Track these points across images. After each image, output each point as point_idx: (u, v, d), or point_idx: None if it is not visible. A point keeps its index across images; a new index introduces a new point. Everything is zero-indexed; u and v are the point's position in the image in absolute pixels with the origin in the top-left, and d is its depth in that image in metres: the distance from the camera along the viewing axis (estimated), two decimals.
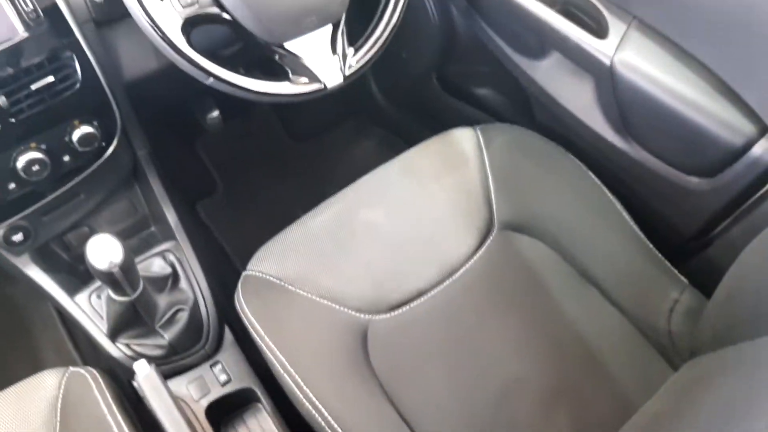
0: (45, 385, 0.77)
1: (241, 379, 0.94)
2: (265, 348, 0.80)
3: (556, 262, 0.87)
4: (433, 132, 0.99)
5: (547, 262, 0.87)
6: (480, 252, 0.88)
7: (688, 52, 0.79)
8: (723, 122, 0.76)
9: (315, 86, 0.81)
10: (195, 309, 0.94)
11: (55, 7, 0.76)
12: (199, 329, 0.95)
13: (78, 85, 0.79)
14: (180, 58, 0.74)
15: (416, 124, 1.40)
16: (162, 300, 0.92)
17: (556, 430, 0.76)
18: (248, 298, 0.83)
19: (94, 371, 0.79)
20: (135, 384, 0.79)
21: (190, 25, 0.74)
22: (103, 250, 0.73)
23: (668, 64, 0.79)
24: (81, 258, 0.85)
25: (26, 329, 1.21)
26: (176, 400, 0.77)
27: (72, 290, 0.94)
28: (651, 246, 0.87)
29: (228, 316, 0.98)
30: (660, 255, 0.86)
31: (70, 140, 0.82)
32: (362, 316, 0.83)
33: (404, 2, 0.87)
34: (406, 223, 0.90)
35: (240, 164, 1.48)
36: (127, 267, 0.75)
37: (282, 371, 0.78)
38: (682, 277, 0.84)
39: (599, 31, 0.84)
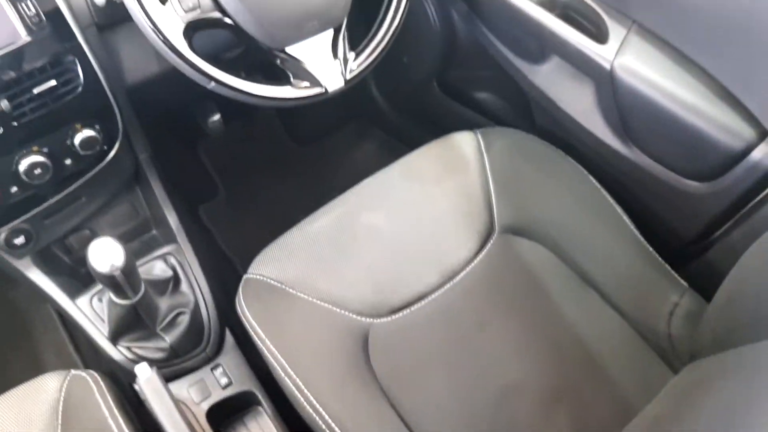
0: (46, 388, 0.77)
1: (242, 382, 0.94)
2: (265, 351, 0.80)
3: (557, 265, 0.87)
4: (434, 136, 0.99)
5: (547, 266, 0.87)
6: (481, 255, 0.88)
7: (687, 57, 0.80)
8: (723, 126, 0.76)
9: (316, 90, 0.81)
10: (196, 312, 0.94)
11: (58, 11, 0.77)
12: (200, 332, 0.95)
13: (80, 89, 0.79)
14: (182, 62, 0.74)
15: (417, 128, 1.40)
16: (163, 303, 0.92)
17: None
18: (249, 302, 0.83)
19: (96, 374, 0.79)
20: (136, 387, 0.79)
21: (191, 30, 0.74)
22: (105, 254, 0.73)
23: (668, 69, 0.80)
24: (82, 261, 0.85)
25: (27, 332, 1.21)
26: (177, 403, 0.77)
27: (73, 293, 0.94)
28: (651, 249, 0.87)
29: (229, 319, 0.98)
30: (660, 258, 0.86)
31: (72, 144, 0.82)
32: (363, 319, 0.83)
33: (405, 7, 0.87)
34: (406, 227, 0.90)
35: (241, 167, 1.48)
36: (129, 270, 0.75)
37: (283, 374, 0.78)
38: (682, 281, 0.84)
39: (599, 35, 0.85)
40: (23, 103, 0.76)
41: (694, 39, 0.79)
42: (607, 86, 0.85)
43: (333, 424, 0.74)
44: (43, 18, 0.75)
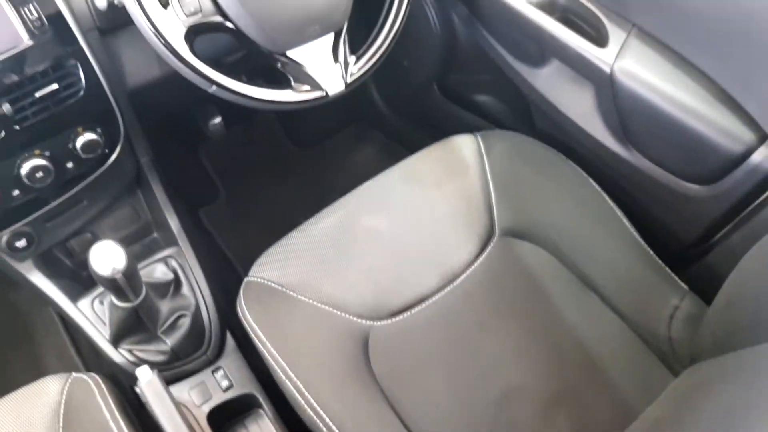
0: (47, 391, 0.77)
1: (243, 384, 0.94)
2: (266, 354, 0.80)
3: (557, 268, 0.88)
4: (434, 139, 0.99)
5: (547, 269, 0.87)
6: (481, 258, 0.89)
7: (687, 60, 0.80)
8: (722, 130, 0.76)
9: (317, 94, 0.81)
10: (197, 315, 0.95)
11: (60, 15, 0.77)
12: (201, 335, 0.95)
13: (82, 93, 0.80)
14: (183, 67, 0.75)
15: (417, 131, 1.41)
16: (164, 306, 0.92)
17: None
18: (250, 304, 0.83)
19: (97, 377, 0.79)
20: (137, 390, 0.80)
21: (193, 34, 0.75)
22: (106, 257, 0.73)
23: (668, 72, 0.80)
24: (84, 264, 0.85)
25: (29, 335, 1.21)
26: (178, 405, 0.78)
27: (75, 296, 0.94)
28: (651, 252, 0.87)
29: (230, 322, 0.99)
30: (660, 261, 0.86)
31: (74, 147, 0.82)
32: (363, 322, 0.84)
33: (406, 11, 0.88)
34: (407, 230, 0.90)
35: (242, 170, 1.48)
36: (130, 273, 0.76)
37: (283, 377, 0.78)
38: (683, 284, 0.84)
39: (599, 39, 0.85)
40: (25, 106, 0.76)
41: (694, 42, 0.79)
42: (607, 89, 0.85)
43: (333, 427, 0.74)
44: (45, 22, 0.75)
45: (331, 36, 0.81)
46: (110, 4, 0.79)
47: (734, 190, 0.78)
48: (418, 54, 1.20)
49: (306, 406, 0.75)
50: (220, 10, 0.75)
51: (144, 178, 1.00)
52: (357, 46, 0.86)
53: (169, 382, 0.90)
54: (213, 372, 0.95)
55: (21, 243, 0.88)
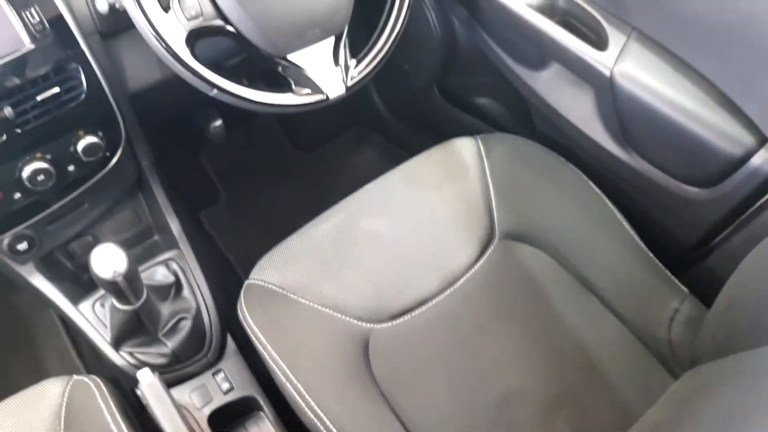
0: (49, 394, 0.77)
1: (244, 387, 0.95)
2: (267, 356, 0.80)
3: (557, 271, 0.88)
4: (435, 141, 0.99)
5: (547, 272, 0.88)
6: (481, 261, 0.89)
7: (687, 64, 0.80)
8: (722, 133, 0.76)
9: (317, 97, 0.82)
10: (198, 317, 0.95)
11: (61, 19, 0.77)
12: (201, 338, 0.95)
13: (83, 96, 0.80)
14: (184, 70, 0.75)
15: (417, 134, 1.41)
16: (165, 308, 0.92)
17: None
18: (250, 307, 0.84)
19: (98, 380, 0.80)
20: (138, 392, 0.80)
21: (194, 38, 0.75)
22: (108, 260, 0.73)
23: (668, 76, 0.80)
24: (85, 267, 0.85)
25: (30, 337, 1.22)
26: (179, 408, 0.78)
27: (76, 299, 0.94)
28: (651, 255, 0.87)
29: (230, 324, 0.99)
30: (660, 264, 0.86)
31: (75, 150, 0.82)
32: (364, 324, 0.84)
33: (406, 15, 0.88)
34: (407, 233, 0.90)
35: (243, 173, 1.49)
36: (131, 276, 0.76)
37: (284, 379, 0.78)
38: (683, 287, 0.84)
39: (599, 42, 0.85)
40: (27, 110, 0.76)
41: (694, 45, 0.79)
42: (607, 93, 0.85)
43: (334, 429, 0.74)
44: (47, 26, 0.76)
45: (332, 40, 0.82)
46: (111, 8, 0.79)
47: (734, 193, 0.78)
48: (419, 57, 1.20)
49: (306, 408, 0.76)
50: (221, 14, 0.75)
51: (145, 181, 1.00)
52: (357, 50, 0.86)
53: (170, 384, 0.91)
54: (214, 374, 0.96)
55: (22, 246, 0.88)
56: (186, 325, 0.93)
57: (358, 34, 0.87)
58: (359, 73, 0.85)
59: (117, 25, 0.83)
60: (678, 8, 0.79)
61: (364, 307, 0.84)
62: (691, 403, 0.59)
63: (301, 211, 0.99)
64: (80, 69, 0.79)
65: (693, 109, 0.78)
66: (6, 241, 0.87)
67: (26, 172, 0.79)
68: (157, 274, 0.96)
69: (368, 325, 0.84)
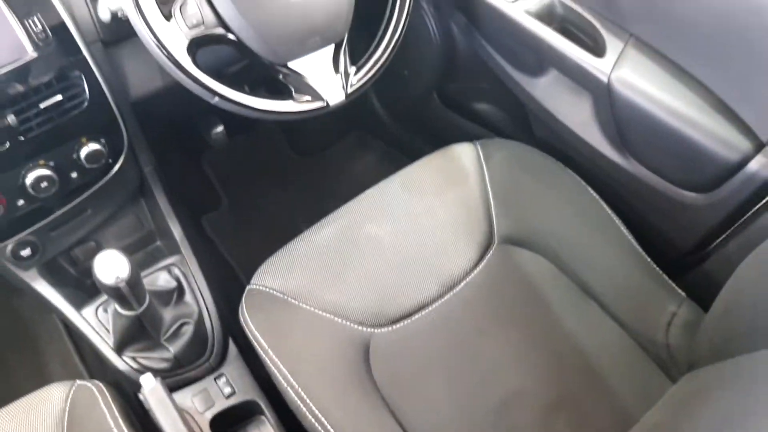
0: (52, 399, 0.78)
1: (245, 391, 0.95)
2: (268, 361, 0.80)
3: (556, 276, 0.88)
4: (434, 147, 1.00)
5: (546, 276, 0.88)
6: (480, 266, 0.89)
7: (684, 70, 0.81)
8: (719, 138, 0.77)
9: (318, 104, 0.82)
10: (200, 322, 0.95)
11: (64, 27, 0.78)
12: (203, 342, 0.96)
13: (86, 104, 0.81)
14: (186, 78, 0.75)
15: (417, 139, 1.41)
16: (167, 313, 0.93)
17: None
18: (252, 312, 0.84)
19: (101, 384, 0.80)
20: (141, 397, 0.80)
21: (195, 46, 0.75)
22: (110, 266, 0.74)
23: (665, 82, 0.81)
24: (88, 272, 0.86)
25: (33, 342, 1.22)
26: (181, 412, 0.78)
27: (79, 304, 0.95)
28: (649, 260, 0.88)
29: (232, 329, 0.99)
30: (658, 269, 0.87)
31: (78, 157, 0.83)
32: (364, 329, 0.84)
33: (405, 22, 0.88)
34: (407, 238, 0.91)
35: (244, 178, 1.49)
36: (134, 282, 0.76)
37: (285, 384, 0.78)
38: (680, 291, 0.85)
39: (596, 49, 0.86)
40: (30, 117, 0.77)
41: (691, 52, 0.80)
42: (605, 99, 0.86)
43: None
44: (50, 34, 0.76)
45: (332, 47, 0.82)
46: (114, 17, 0.80)
47: (731, 198, 0.79)
48: (418, 63, 1.21)
49: (307, 413, 0.76)
50: (222, 22, 0.76)
51: (147, 187, 1.01)
52: (357, 57, 0.87)
53: (172, 389, 0.91)
54: (216, 379, 0.96)
55: (26, 252, 0.89)
56: (188, 330, 0.93)
57: (358, 42, 0.88)
58: (359, 80, 0.85)
59: (119, 33, 0.83)
60: (675, 15, 0.79)
61: (364, 311, 0.85)
62: (689, 407, 0.59)
63: (302, 216, 1.00)
64: (83, 77, 0.80)
65: (690, 114, 0.78)
66: (9, 248, 0.87)
67: (29, 179, 0.80)
68: (160, 279, 0.97)
69: (369, 329, 0.84)
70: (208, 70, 0.77)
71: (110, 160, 0.87)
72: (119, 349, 0.91)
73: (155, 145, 1.00)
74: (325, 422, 0.75)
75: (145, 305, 0.83)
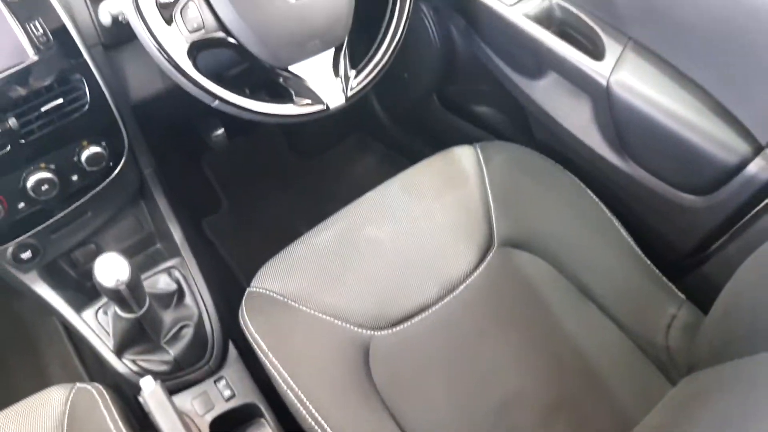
0: (52, 401, 0.78)
1: (245, 394, 0.95)
2: (268, 364, 0.81)
3: (555, 278, 0.88)
4: (434, 149, 1.00)
5: (546, 278, 0.88)
6: (480, 268, 0.89)
7: (683, 73, 0.81)
8: (718, 141, 0.77)
9: (318, 107, 0.82)
10: (200, 325, 0.95)
11: (65, 31, 0.78)
12: (203, 345, 0.96)
13: (87, 107, 0.81)
14: (186, 82, 0.76)
15: (417, 142, 1.42)
16: (167, 316, 0.93)
17: None
18: (252, 315, 0.84)
19: (101, 387, 0.80)
20: (141, 400, 0.80)
21: (196, 49, 0.76)
22: (111, 269, 0.74)
23: (664, 85, 0.81)
24: (88, 275, 0.86)
25: (33, 344, 1.22)
26: (181, 415, 0.78)
27: (79, 306, 0.95)
28: (648, 262, 0.88)
29: (232, 332, 0.99)
30: (657, 271, 0.87)
31: (79, 160, 0.83)
32: (364, 331, 0.84)
33: (405, 26, 0.89)
34: (407, 240, 0.91)
35: (244, 181, 1.49)
36: (134, 285, 0.77)
37: (285, 387, 0.79)
38: (680, 293, 0.85)
39: (596, 52, 0.86)
40: (31, 120, 0.77)
41: (689, 55, 0.80)
42: (604, 102, 0.86)
43: None
44: (51, 38, 0.76)
45: (332, 51, 0.82)
46: (115, 20, 0.80)
47: (730, 201, 0.79)
48: (418, 66, 1.21)
49: (307, 415, 0.76)
50: (222, 26, 0.76)
51: (147, 189, 1.01)
52: (357, 61, 0.87)
53: (172, 391, 0.91)
54: (215, 382, 0.96)
55: (26, 254, 0.89)
56: (188, 333, 0.93)
57: (358, 45, 0.88)
58: (359, 83, 0.85)
59: (120, 36, 0.84)
60: (673, 19, 0.80)
61: (364, 314, 0.85)
62: (689, 410, 0.59)
63: (302, 218, 1.00)
64: (83, 80, 0.80)
65: (689, 117, 0.79)
66: (10, 250, 0.87)
67: (30, 181, 0.80)
68: (160, 282, 0.97)
69: (369, 332, 0.84)
70: (209, 73, 0.77)
71: (111, 163, 0.87)
72: (119, 352, 0.91)
73: (155, 148, 1.00)
74: (325, 425, 0.75)
75: (145, 308, 0.83)
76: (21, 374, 1.19)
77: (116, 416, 0.77)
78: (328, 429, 0.75)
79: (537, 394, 0.80)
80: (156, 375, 0.88)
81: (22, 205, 0.82)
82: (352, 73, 0.85)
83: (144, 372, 0.91)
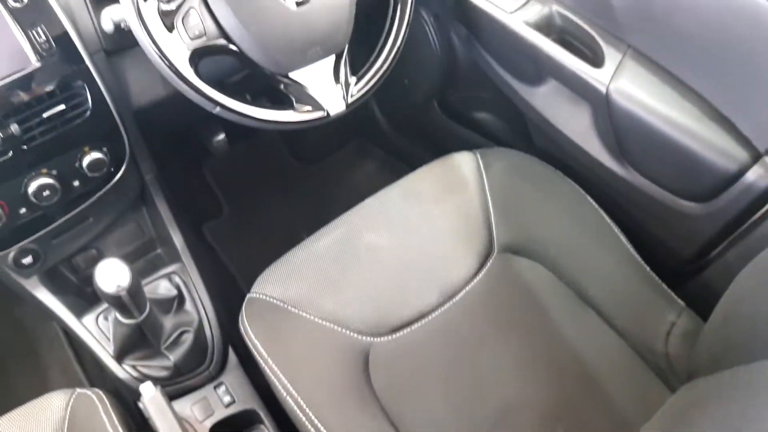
0: (52, 407, 0.78)
1: (245, 400, 0.95)
2: (268, 370, 0.81)
3: (555, 284, 0.88)
4: (434, 155, 1.01)
5: (546, 285, 0.88)
6: (480, 275, 0.89)
7: (682, 80, 0.81)
8: (717, 149, 0.77)
9: (318, 114, 0.83)
10: (200, 331, 0.95)
11: (67, 37, 0.78)
12: (203, 351, 0.96)
13: (88, 113, 0.81)
14: (188, 88, 0.76)
15: (417, 148, 1.42)
16: (168, 322, 0.93)
17: None
18: (252, 321, 0.84)
19: (101, 392, 0.80)
20: (140, 405, 0.80)
21: (197, 56, 0.76)
22: (111, 274, 0.74)
23: (663, 92, 0.81)
24: (89, 280, 0.86)
25: (33, 349, 1.22)
26: (181, 421, 0.78)
27: (79, 312, 0.95)
28: (648, 269, 0.88)
29: (232, 337, 0.99)
30: (657, 278, 0.87)
31: (80, 166, 0.84)
32: (364, 338, 0.84)
33: (405, 33, 0.89)
34: (407, 247, 0.91)
35: (245, 186, 1.50)
36: (134, 291, 0.77)
37: (284, 393, 0.79)
38: (679, 300, 0.85)
39: (595, 59, 0.86)
40: (33, 126, 0.77)
41: (689, 63, 0.80)
42: (603, 109, 0.86)
43: None
44: (53, 44, 0.77)
45: (333, 58, 0.83)
46: (117, 27, 0.81)
47: (729, 208, 0.79)
48: (419, 73, 1.22)
49: (307, 422, 0.76)
50: (223, 33, 0.76)
51: (148, 195, 1.01)
52: (358, 67, 0.87)
53: (171, 397, 0.91)
54: (215, 387, 0.96)
55: (27, 260, 0.89)
56: (188, 338, 0.93)
57: (359, 52, 0.88)
58: (359, 90, 0.86)
59: (122, 43, 0.84)
60: (673, 27, 0.80)
61: (364, 320, 0.85)
62: (688, 417, 0.59)
63: (302, 224, 1.00)
64: (86, 86, 0.80)
65: (688, 125, 0.79)
66: (11, 255, 0.88)
67: (32, 187, 0.80)
68: (160, 287, 0.97)
69: (368, 338, 0.84)
70: (210, 80, 0.78)
71: (112, 169, 0.88)
72: (119, 357, 0.92)
73: (157, 154, 1.01)
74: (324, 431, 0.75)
75: (145, 313, 0.83)
76: (21, 379, 1.19)
77: (116, 422, 0.77)
78: None
79: (536, 401, 0.80)
80: (156, 381, 0.88)
81: (23, 210, 0.83)
82: (352, 79, 0.85)
83: (144, 377, 0.91)
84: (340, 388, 0.79)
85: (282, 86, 0.82)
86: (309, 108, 0.83)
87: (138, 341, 0.89)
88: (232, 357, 0.99)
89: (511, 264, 0.90)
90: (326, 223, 0.93)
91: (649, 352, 0.82)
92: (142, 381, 0.83)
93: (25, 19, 0.76)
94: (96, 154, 0.84)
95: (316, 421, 0.76)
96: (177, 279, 0.99)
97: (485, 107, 1.20)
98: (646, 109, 0.81)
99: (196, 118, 1.13)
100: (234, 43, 0.77)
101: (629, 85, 0.83)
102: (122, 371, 0.91)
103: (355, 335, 0.84)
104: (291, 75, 0.81)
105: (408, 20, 0.89)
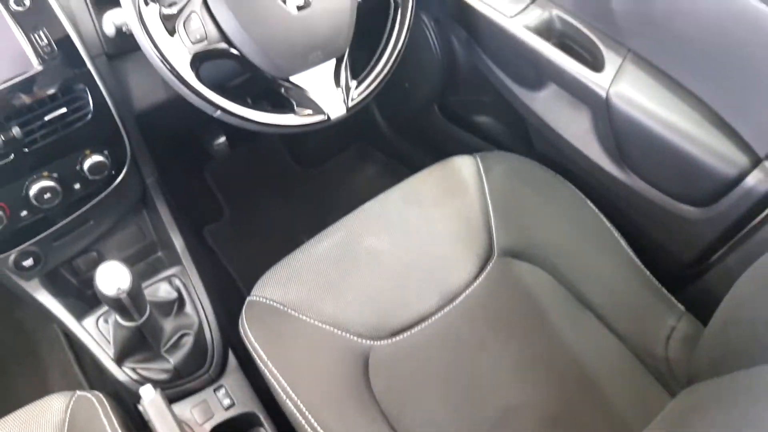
0: (52, 409, 0.78)
1: (245, 403, 0.95)
2: (267, 373, 0.81)
3: (555, 288, 0.88)
4: (435, 159, 1.01)
5: (545, 289, 0.88)
6: (480, 278, 0.90)
7: (682, 85, 0.81)
8: (717, 153, 0.77)
9: (319, 118, 0.83)
10: (200, 333, 0.95)
11: (69, 41, 0.79)
12: (203, 353, 0.96)
13: (90, 116, 0.81)
14: (189, 92, 0.76)
15: (418, 151, 1.42)
16: (168, 324, 0.93)
17: None
18: (252, 324, 0.84)
19: (101, 395, 0.80)
20: (140, 408, 0.80)
21: (198, 60, 0.76)
22: (112, 277, 0.74)
23: (663, 97, 0.81)
24: (89, 283, 0.86)
25: (33, 352, 1.22)
26: (180, 424, 0.78)
27: (80, 314, 0.95)
28: (648, 273, 0.88)
29: (232, 340, 0.99)
30: (657, 282, 0.87)
31: (81, 169, 0.84)
32: (364, 341, 0.84)
33: (406, 37, 0.89)
34: (407, 250, 0.91)
35: (246, 189, 1.50)
36: (135, 293, 0.77)
37: (284, 396, 0.79)
38: (679, 305, 0.85)
39: (595, 64, 0.87)
40: (34, 129, 0.78)
41: (689, 67, 0.81)
42: (603, 113, 0.86)
43: None
44: (55, 48, 0.77)
45: (333, 62, 0.83)
46: (118, 31, 0.81)
47: (729, 213, 0.79)
48: (419, 77, 1.22)
49: (306, 425, 0.76)
50: (225, 37, 0.77)
51: (149, 198, 1.02)
52: (358, 71, 0.88)
53: (171, 400, 0.91)
54: (215, 390, 0.96)
55: (28, 262, 0.89)
56: (188, 341, 0.93)
57: (359, 56, 0.88)
58: (360, 94, 0.86)
59: (123, 47, 0.84)
60: (673, 31, 0.80)
61: (364, 324, 0.85)
62: (688, 422, 0.59)
63: (303, 227, 1.00)
64: (87, 90, 0.80)
65: (687, 129, 0.79)
66: (12, 258, 0.88)
67: (33, 190, 0.80)
68: (160, 290, 0.97)
69: (368, 342, 0.84)
70: (211, 83, 0.78)
71: (113, 172, 0.88)
72: (119, 360, 0.92)
73: (158, 157, 1.01)
74: None
75: (145, 316, 0.83)
76: (21, 381, 1.19)
77: (116, 424, 0.77)
78: None
79: (536, 405, 0.80)
80: (156, 383, 0.88)
81: (24, 213, 0.83)
82: (353, 83, 0.86)
83: (144, 380, 0.91)
84: (339, 392, 0.79)
85: (283, 90, 0.82)
86: (310, 112, 0.83)
87: (138, 344, 0.89)
88: (232, 360, 0.99)
89: (511, 268, 0.90)
90: (327, 226, 0.93)
91: (649, 357, 0.82)
92: (142, 384, 0.83)
93: (27, 22, 0.76)
94: (97, 157, 0.84)
95: (315, 425, 0.76)
96: (177, 282, 0.99)
97: (485, 111, 1.20)
98: (646, 114, 0.81)
99: (197, 122, 1.14)
100: (235, 47, 0.77)
101: (629, 89, 0.83)
102: (122, 374, 0.91)
103: (355, 338, 0.84)
104: (292, 79, 0.81)
105: (408, 24, 0.89)
